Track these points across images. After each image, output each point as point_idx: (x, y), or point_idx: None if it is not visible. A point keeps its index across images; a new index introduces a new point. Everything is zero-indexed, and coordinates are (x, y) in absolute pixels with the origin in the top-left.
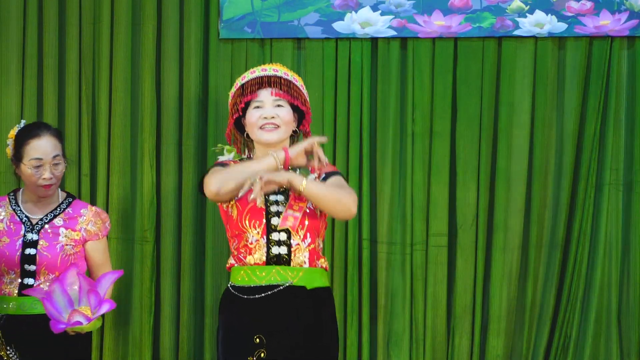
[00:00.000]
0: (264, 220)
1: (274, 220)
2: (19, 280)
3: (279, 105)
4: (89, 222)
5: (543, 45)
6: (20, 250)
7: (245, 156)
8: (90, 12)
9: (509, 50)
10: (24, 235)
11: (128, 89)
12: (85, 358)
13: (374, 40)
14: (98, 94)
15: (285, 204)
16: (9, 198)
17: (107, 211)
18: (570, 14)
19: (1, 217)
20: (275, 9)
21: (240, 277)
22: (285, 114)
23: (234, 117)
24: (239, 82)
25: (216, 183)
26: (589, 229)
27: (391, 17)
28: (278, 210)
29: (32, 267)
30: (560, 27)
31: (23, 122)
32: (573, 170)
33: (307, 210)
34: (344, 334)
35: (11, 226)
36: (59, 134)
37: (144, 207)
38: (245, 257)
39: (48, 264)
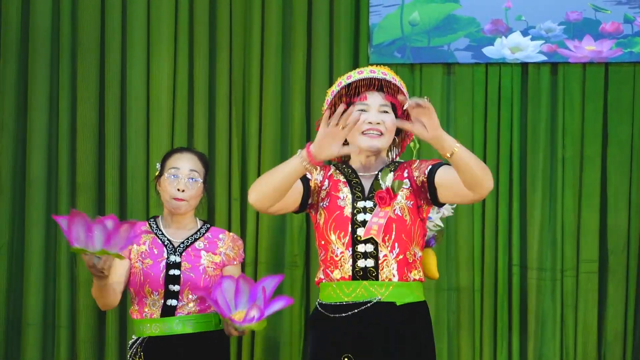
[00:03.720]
0: (349, 231)
1: (360, 231)
2: (162, 302)
3: (384, 112)
4: (228, 247)
5: None
6: (165, 271)
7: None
8: (240, 38)
9: None
10: (167, 257)
11: (278, 113)
12: None
13: (524, 65)
14: (248, 118)
15: (373, 211)
16: (149, 223)
17: (256, 236)
18: None
19: (143, 240)
20: (425, 34)
21: (327, 294)
22: (390, 121)
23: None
24: (344, 81)
25: (253, 193)
26: None
27: (541, 42)
28: (365, 220)
29: (176, 287)
30: None
31: None
32: None
33: (394, 217)
34: (493, 359)
35: (153, 249)
36: (202, 158)
37: (294, 232)
38: (332, 272)
39: (192, 284)
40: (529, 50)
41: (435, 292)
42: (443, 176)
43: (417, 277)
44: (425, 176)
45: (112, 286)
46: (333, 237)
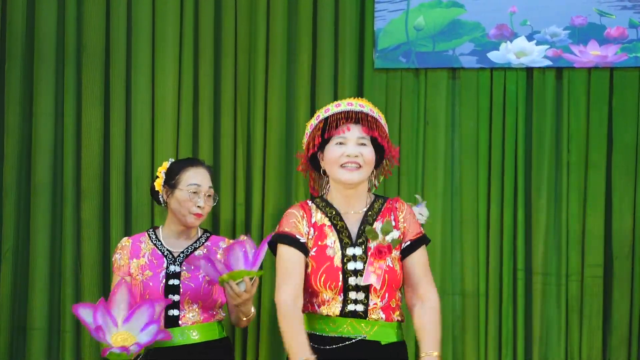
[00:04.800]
0: (340, 282)
1: (351, 280)
2: (163, 312)
3: (362, 144)
4: None
5: None
6: (164, 281)
7: (320, 194)
8: (245, 42)
9: None
10: (167, 268)
11: (283, 118)
12: None
13: (529, 70)
14: (253, 123)
15: (363, 258)
16: (148, 234)
17: (261, 240)
18: None
19: (143, 252)
20: (430, 39)
21: (312, 325)
22: (368, 153)
23: (310, 152)
24: (322, 114)
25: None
26: None
27: (546, 47)
28: (355, 268)
29: (176, 297)
30: None
31: (171, 160)
32: None
33: (386, 268)
34: None
35: (153, 260)
36: (211, 170)
37: None
38: (319, 307)
39: (192, 293)
40: (534, 55)
41: (440, 296)
42: (409, 266)
43: (399, 318)
44: (401, 247)
45: None
46: (323, 287)
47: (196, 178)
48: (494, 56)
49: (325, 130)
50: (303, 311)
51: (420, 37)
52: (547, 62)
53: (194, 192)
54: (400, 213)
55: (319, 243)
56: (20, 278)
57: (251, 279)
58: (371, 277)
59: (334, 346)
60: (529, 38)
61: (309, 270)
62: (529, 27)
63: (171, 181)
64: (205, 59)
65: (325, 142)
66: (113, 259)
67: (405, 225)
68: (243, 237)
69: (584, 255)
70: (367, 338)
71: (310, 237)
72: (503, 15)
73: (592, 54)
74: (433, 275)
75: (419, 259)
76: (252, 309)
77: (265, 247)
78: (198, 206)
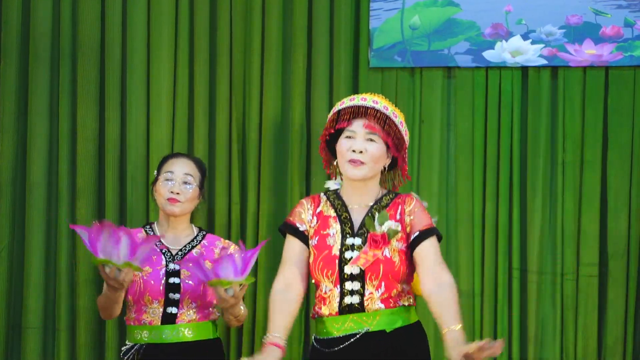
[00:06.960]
0: (337, 269)
1: (347, 269)
2: (162, 310)
3: (370, 140)
4: None
5: None
6: (164, 279)
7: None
8: (240, 41)
9: None
10: (166, 265)
11: (278, 117)
12: None
13: (525, 69)
14: (248, 122)
15: (361, 248)
16: (145, 230)
17: (256, 240)
18: None
19: None
20: (426, 38)
21: (320, 329)
22: (375, 150)
23: (324, 141)
24: (337, 107)
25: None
26: None
27: (542, 45)
28: (352, 257)
29: (177, 296)
30: None
31: None
32: None
33: (382, 258)
34: None
35: (152, 256)
36: (199, 163)
37: None
38: (320, 308)
39: (192, 292)
40: (529, 54)
41: None
42: (420, 257)
43: (406, 303)
44: (410, 240)
45: (121, 297)
46: (321, 276)
47: (172, 166)
48: (490, 55)
49: (337, 122)
50: (313, 316)
51: (415, 36)
52: (543, 61)
53: (168, 180)
54: (407, 206)
55: (322, 232)
56: (16, 276)
57: (240, 285)
58: (360, 261)
59: (341, 346)
60: (525, 37)
61: (312, 260)
62: (525, 26)
63: (156, 176)
64: (200, 58)
65: (338, 134)
66: None
67: (411, 217)
68: (234, 248)
69: (579, 254)
70: (370, 330)
71: (312, 225)
72: (498, 14)
73: (587, 53)
74: None
75: (429, 249)
76: (243, 310)
77: (257, 254)
78: (171, 191)
